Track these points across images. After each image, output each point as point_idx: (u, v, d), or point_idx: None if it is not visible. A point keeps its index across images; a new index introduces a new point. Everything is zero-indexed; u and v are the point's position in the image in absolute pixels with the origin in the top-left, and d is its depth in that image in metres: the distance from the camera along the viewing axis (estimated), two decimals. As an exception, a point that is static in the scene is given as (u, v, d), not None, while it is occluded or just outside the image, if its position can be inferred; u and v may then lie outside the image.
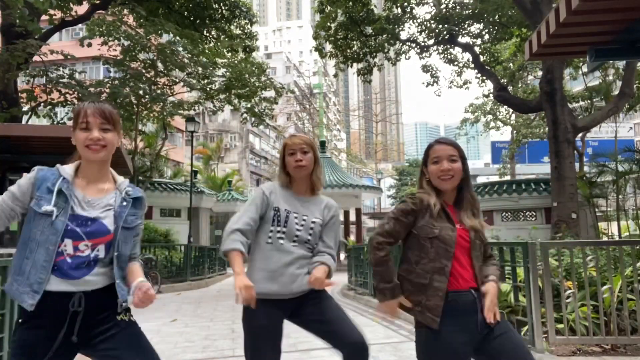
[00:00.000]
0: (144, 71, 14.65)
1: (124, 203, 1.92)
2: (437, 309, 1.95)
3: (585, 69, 16.58)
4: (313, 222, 2.42)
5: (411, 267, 2.06)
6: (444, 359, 1.95)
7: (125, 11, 14.79)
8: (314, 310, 2.37)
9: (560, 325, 4.59)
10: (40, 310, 1.75)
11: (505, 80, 17.57)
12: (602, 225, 11.16)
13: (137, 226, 1.99)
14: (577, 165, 12.04)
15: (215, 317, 7.76)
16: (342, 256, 20.51)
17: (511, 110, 21.43)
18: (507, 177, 25.68)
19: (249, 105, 17.50)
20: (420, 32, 16.35)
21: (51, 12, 10.60)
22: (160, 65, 14.71)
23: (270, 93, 17.64)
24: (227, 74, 16.53)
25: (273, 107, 18.74)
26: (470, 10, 15.80)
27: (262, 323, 2.30)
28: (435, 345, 1.96)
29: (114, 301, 1.89)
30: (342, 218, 22.84)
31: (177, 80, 16.51)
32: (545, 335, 4.58)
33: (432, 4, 16.14)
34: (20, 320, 1.82)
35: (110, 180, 1.97)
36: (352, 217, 23.87)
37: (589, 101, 17.33)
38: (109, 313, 1.87)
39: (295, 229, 2.39)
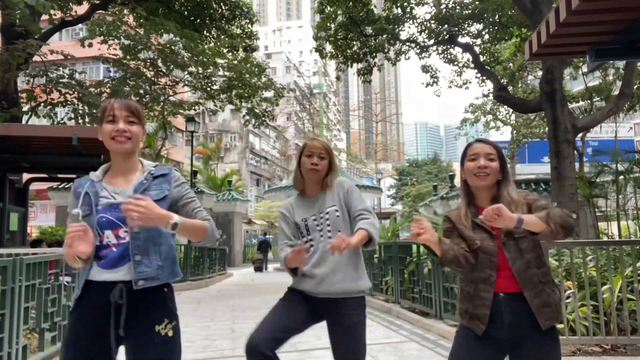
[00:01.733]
0: (144, 70, 14.65)
1: (144, 181, 1.93)
2: (485, 318, 2.00)
3: (585, 69, 16.57)
4: (327, 212, 2.54)
5: (462, 277, 2.14)
6: (468, 354, 2.05)
7: (125, 11, 14.80)
8: (332, 322, 2.51)
9: (560, 326, 4.59)
10: (84, 300, 1.81)
11: (505, 80, 17.54)
12: (602, 225, 11.14)
13: (166, 198, 1.94)
14: (577, 165, 12.02)
15: (215, 317, 7.73)
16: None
17: (511, 110, 21.41)
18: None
19: (249, 106, 17.49)
20: (420, 32, 16.32)
21: (51, 12, 10.60)
22: (161, 65, 14.70)
23: (270, 93, 17.63)
24: (228, 74, 16.52)
25: (273, 108, 18.73)
26: (470, 10, 15.78)
27: (286, 298, 2.56)
28: (468, 343, 2.07)
29: (160, 308, 1.86)
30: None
31: (177, 80, 16.50)
32: (545, 335, 4.58)
33: (432, 4, 16.11)
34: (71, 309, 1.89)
35: (139, 170, 2.00)
36: (352, 217, 23.89)
37: (589, 101, 17.32)
38: (149, 321, 1.83)
39: (317, 229, 2.53)
